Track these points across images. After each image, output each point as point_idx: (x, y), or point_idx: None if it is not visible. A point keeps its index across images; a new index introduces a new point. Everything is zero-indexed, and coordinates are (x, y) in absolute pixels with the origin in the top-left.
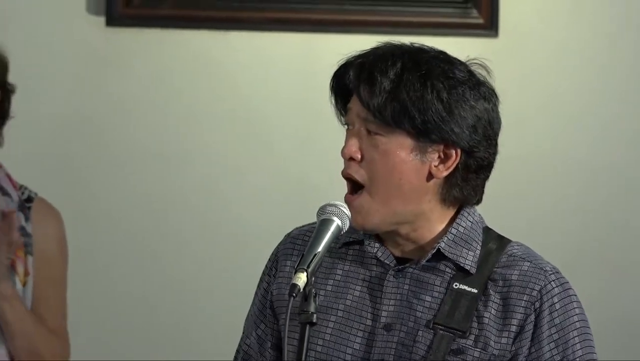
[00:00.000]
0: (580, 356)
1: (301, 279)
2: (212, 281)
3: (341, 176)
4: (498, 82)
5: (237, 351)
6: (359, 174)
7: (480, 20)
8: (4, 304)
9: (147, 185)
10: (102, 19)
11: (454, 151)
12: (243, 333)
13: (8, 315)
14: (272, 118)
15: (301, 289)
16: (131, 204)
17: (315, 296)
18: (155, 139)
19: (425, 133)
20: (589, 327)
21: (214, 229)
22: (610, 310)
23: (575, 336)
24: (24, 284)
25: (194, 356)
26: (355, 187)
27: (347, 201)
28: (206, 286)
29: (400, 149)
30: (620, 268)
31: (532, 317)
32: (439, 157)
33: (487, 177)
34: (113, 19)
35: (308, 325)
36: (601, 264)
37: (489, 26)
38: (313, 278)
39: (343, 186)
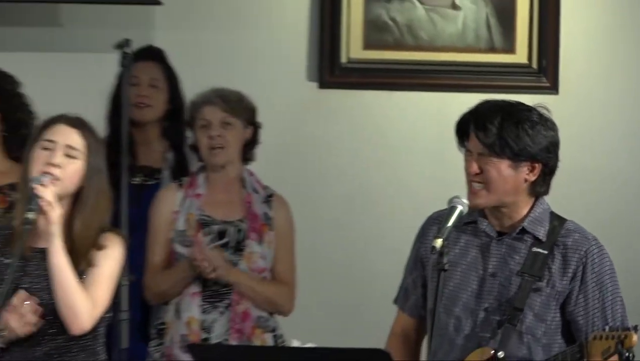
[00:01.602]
0: (611, 291)
1: (438, 243)
2: (393, 246)
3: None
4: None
5: (400, 287)
6: (477, 180)
7: (548, 84)
8: (240, 285)
9: (343, 191)
10: (315, 84)
11: (537, 165)
12: (403, 276)
13: (242, 287)
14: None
15: (437, 249)
16: (334, 205)
17: (446, 254)
18: (346, 167)
19: (519, 156)
20: (616, 275)
21: (391, 224)
22: None
23: (607, 279)
24: (269, 246)
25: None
26: (477, 189)
27: (471, 192)
28: (387, 253)
29: (504, 167)
30: None
31: (581, 268)
32: (528, 168)
33: (552, 177)
34: (323, 84)
35: (442, 272)
36: None
37: (553, 87)
38: (445, 242)
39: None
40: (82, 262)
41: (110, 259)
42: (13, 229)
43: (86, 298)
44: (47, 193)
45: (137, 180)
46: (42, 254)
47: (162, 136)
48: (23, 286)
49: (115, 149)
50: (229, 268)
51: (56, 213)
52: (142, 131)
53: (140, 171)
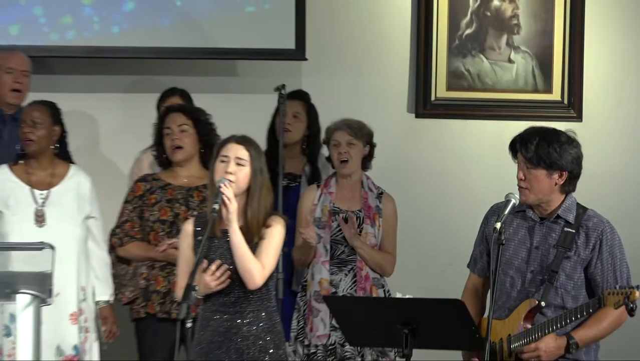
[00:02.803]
0: (619, 259)
1: (498, 225)
2: (465, 231)
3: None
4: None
5: (471, 256)
6: (524, 183)
7: (574, 115)
8: (360, 250)
9: (432, 191)
10: (413, 115)
11: (564, 172)
12: (473, 249)
13: (364, 253)
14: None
15: (497, 230)
16: (427, 201)
17: (504, 233)
18: (432, 172)
19: (550, 167)
20: (623, 247)
21: (463, 217)
22: None
23: (617, 250)
24: (378, 229)
25: None
26: (523, 189)
27: (520, 192)
28: (461, 235)
29: (541, 174)
30: None
31: (598, 242)
32: (558, 175)
33: (577, 180)
34: (418, 114)
35: (500, 245)
36: None
37: (578, 117)
38: (503, 225)
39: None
40: (255, 237)
41: (275, 234)
42: (206, 216)
43: (257, 263)
44: (227, 192)
45: (284, 183)
46: (227, 234)
47: (302, 153)
48: (214, 256)
49: (271, 161)
50: (357, 237)
51: (234, 206)
52: (289, 149)
53: (286, 176)
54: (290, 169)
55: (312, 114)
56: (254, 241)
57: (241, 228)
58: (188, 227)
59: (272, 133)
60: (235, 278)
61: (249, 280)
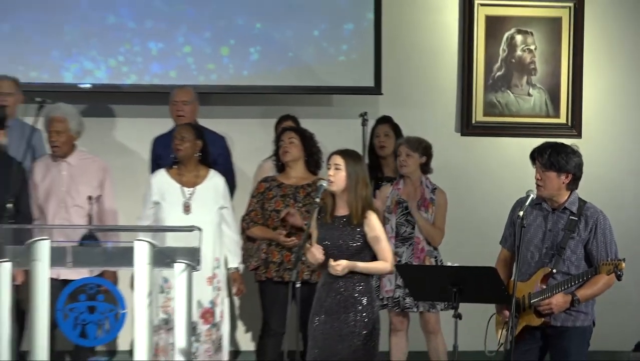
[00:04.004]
0: (609, 238)
1: (520, 213)
2: (499, 219)
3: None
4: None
5: (502, 236)
6: (540, 182)
7: (575, 133)
8: (417, 217)
9: (468, 188)
10: (459, 133)
11: (570, 175)
12: (504, 230)
13: (420, 221)
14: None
15: (520, 217)
16: (468, 197)
17: (525, 219)
18: (470, 176)
19: (559, 170)
20: (613, 230)
21: (495, 211)
22: None
23: (608, 233)
24: (431, 214)
25: None
26: (539, 187)
27: (537, 189)
28: (496, 223)
29: (552, 175)
30: None
31: (594, 227)
32: (565, 177)
33: (579, 181)
34: (463, 133)
35: (522, 228)
36: None
37: (578, 135)
38: (525, 214)
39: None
40: (355, 220)
41: (376, 223)
42: (323, 208)
43: (384, 263)
44: (332, 185)
45: (383, 184)
46: (335, 219)
47: (395, 161)
48: (323, 237)
49: (373, 170)
50: (417, 211)
51: (341, 268)
52: (386, 160)
53: (386, 179)
54: (388, 174)
55: (398, 132)
56: (356, 221)
57: (346, 216)
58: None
59: (372, 150)
60: (338, 255)
61: (383, 274)
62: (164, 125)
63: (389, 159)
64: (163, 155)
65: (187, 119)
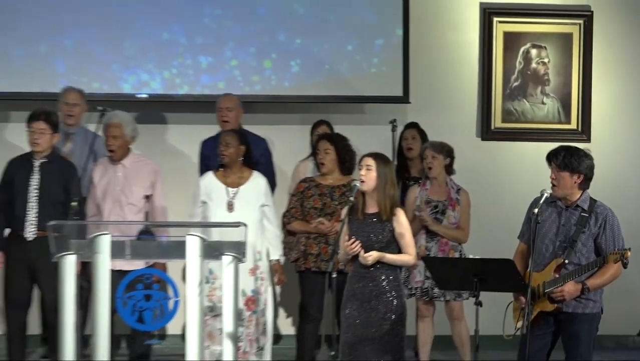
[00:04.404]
0: (617, 233)
1: (536, 211)
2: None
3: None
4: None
5: (520, 231)
6: (554, 182)
7: (585, 138)
8: (438, 231)
9: (487, 189)
10: (479, 138)
11: (582, 175)
12: (522, 226)
13: (440, 232)
14: None
15: (535, 214)
16: (489, 198)
17: (540, 215)
18: (488, 179)
19: (572, 171)
20: (620, 226)
21: (517, 209)
22: None
23: (616, 228)
24: (457, 212)
25: None
26: (554, 186)
27: (552, 188)
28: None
29: (566, 175)
30: None
31: (603, 222)
32: (577, 177)
33: (590, 181)
34: (483, 138)
35: (537, 224)
36: None
37: (588, 139)
38: (539, 211)
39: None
40: (384, 215)
41: (404, 220)
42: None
43: (407, 256)
44: (364, 185)
45: (411, 183)
46: (367, 216)
47: (421, 163)
48: (354, 231)
49: (401, 171)
50: (433, 223)
51: (372, 257)
52: (413, 161)
53: (413, 179)
54: (414, 174)
55: (424, 136)
56: (384, 218)
57: (376, 213)
58: (343, 211)
59: (400, 153)
60: (368, 248)
61: (407, 265)
62: (212, 131)
63: (416, 160)
64: (211, 156)
65: (231, 125)
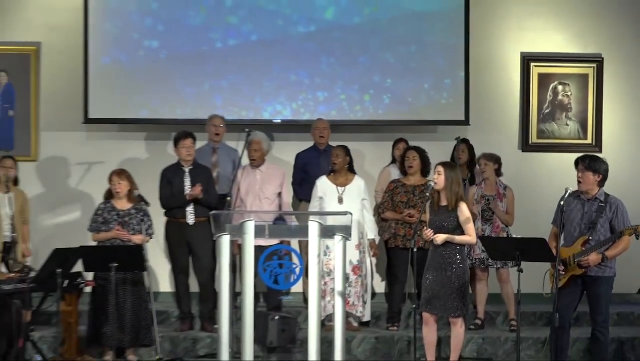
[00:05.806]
0: (626, 218)
1: (562, 203)
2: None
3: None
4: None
5: (553, 218)
6: (580, 179)
7: (598, 149)
8: (498, 213)
9: (524, 191)
10: (520, 150)
11: (601, 176)
12: (554, 214)
13: (498, 213)
14: None
15: (561, 205)
16: (528, 198)
17: (567, 205)
18: (526, 182)
19: (594, 172)
20: (628, 213)
21: (545, 208)
22: None
23: (625, 214)
24: (505, 203)
25: None
26: (580, 183)
27: (578, 185)
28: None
29: (590, 175)
30: None
31: (616, 210)
32: (597, 177)
33: (606, 180)
34: (523, 150)
35: (563, 213)
36: None
37: (600, 150)
38: (566, 202)
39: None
40: (450, 206)
41: (465, 210)
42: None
43: (469, 238)
44: (436, 185)
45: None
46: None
47: (467, 168)
48: (434, 220)
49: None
50: (496, 206)
51: (441, 237)
52: (461, 166)
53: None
54: (462, 176)
55: (471, 149)
56: (451, 208)
57: (445, 206)
58: (426, 206)
59: (452, 160)
60: (440, 231)
61: (469, 244)
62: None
63: (463, 166)
64: (308, 163)
65: (324, 139)
